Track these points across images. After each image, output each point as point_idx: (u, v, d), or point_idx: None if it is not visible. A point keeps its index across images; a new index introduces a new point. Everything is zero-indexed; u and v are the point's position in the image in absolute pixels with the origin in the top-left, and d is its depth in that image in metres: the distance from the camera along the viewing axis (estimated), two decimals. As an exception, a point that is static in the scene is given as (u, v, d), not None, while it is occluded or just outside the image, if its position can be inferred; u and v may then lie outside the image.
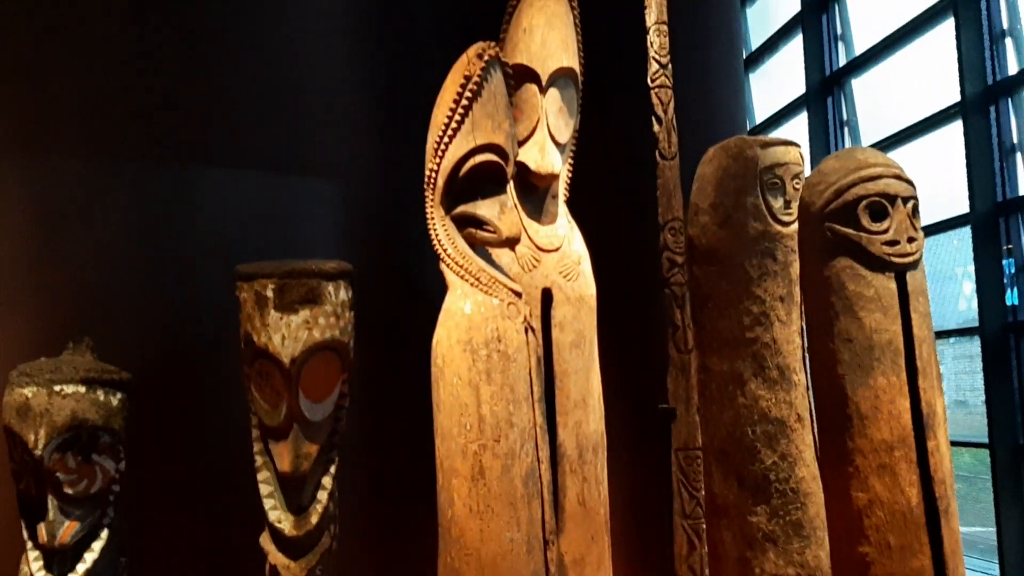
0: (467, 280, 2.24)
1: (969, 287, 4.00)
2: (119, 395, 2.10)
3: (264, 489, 2.25)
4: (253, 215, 2.86)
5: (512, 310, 2.22)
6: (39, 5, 2.57)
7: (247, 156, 2.88)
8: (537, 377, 2.25)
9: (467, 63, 2.23)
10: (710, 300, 2.59)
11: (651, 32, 3.04)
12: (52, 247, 2.53)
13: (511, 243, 2.32)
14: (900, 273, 2.28)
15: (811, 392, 2.42)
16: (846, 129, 4.85)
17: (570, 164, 2.83)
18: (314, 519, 2.23)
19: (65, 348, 2.12)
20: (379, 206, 3.19)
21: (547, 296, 2.62)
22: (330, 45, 3.05)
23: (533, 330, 2.26)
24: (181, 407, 2.58)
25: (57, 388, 1.98)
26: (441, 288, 2.66)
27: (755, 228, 2.56)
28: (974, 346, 3.97)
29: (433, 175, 2.27)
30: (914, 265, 2.29)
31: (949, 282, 4.34)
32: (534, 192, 2.71)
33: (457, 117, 2.22)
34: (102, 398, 2.05)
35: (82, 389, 2.02)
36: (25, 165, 2.52)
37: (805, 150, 3.16)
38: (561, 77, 2.71)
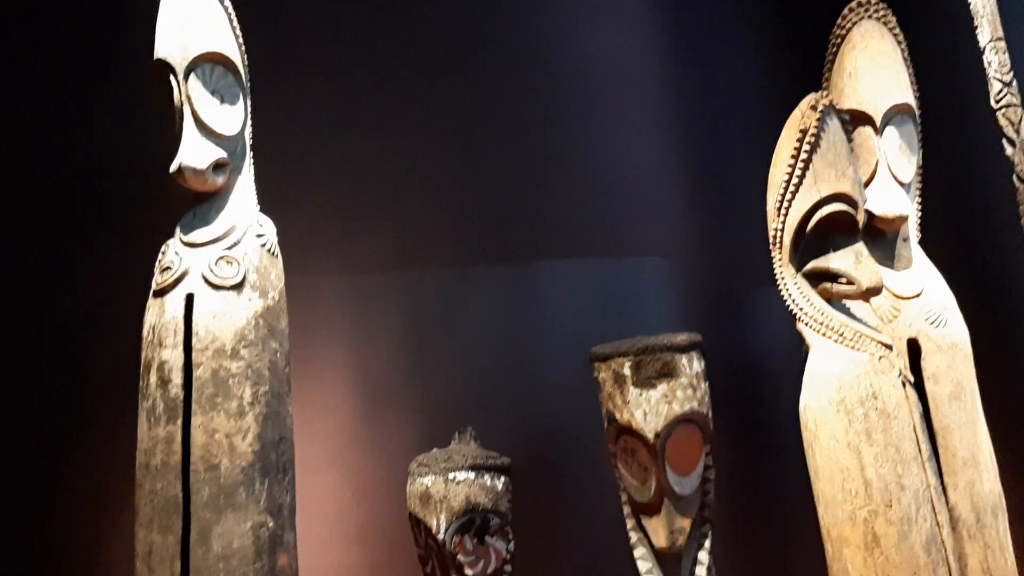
0: (830, 337, 2.14)
1: None
2: (502, 479, 2.23)
3: (642, 565, 2.25)
4: (592, 299, 2.96)
5: (885, 364, 2.08)
6: (389, 147, 2.93)
7: (580, 245, 3.01)
8: (922, 434, 2.08)
9: (801, 117, 2.19)
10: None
11: (987, 51, 2.80)
12: (425, 352, 2.80)
13: (872, 293, 2.19)
14: None
15: None
16: None
17: (918, 203, 2.65)
18: (696, 595, 2.19)
19: (452, 438, 2.29)
20: (708, 276, 3.18)
21: (913, 347, 2.44)
22: (648, 127, 3.14)
23: (911, 384, 2.09)
24: (553, 487, 2.69)
25: (451, 476, 2.15)
26: (784, 353, 2.58)
27: None
28: None
29: (778, 234, 2.22)
30: None
31: None
32: (882, 238, 2.56)
33: (797, 172, 2.16)
34: (489, 483, 2.19)
35: (471, 475, 2.17)
36: (398, 284, 2.83)
37: None
38: (896, 114, 2.57)
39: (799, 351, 2.31)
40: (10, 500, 2.60)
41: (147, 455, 2.01)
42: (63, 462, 2.61)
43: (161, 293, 2.10)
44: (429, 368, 2.78)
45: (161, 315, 2.07)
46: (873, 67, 2.58)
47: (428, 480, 2.14)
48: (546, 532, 2.62)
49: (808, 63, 2.80)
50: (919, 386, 2.37)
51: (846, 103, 2.55)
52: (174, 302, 2.07)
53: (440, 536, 2.10)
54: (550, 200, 2.97)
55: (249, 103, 2.30)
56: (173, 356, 2.02)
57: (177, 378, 2.01)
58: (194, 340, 2.04)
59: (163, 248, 2.18)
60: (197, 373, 2.01)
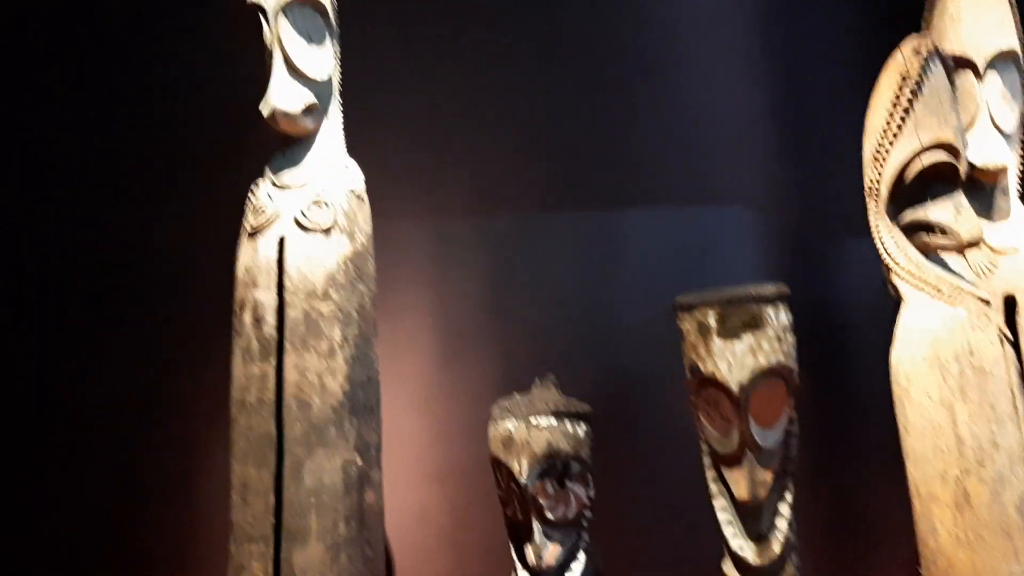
0: (925, 291, 2.08)
1: None
2: (583, 426, 2.24)
3: (722, 517, 2.25)
4: (675, 248, 2.93)
5: (983, 320, 2.02)
6: (469, 92, 2.91)
7: (664, 192, 2.97)
8: (1019, 393, 2.02)
9: (903, 61, 2.10)
10: None
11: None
12: (506, 297, 2.82)
13: (971, 247, 2.12)
14: None
15: None
16: None
17: (1020, 153, 2.55)
18: (776, 548, 2.18)
19: (533, 384, 2.31)
20: (794, 225, 3.12)
21: (1009, 304, 2.36)
22: (735, 70, 3.06)
23: (1010, 341, 2.03)
24: (632, 436, 2.70)
25: (533, 421, 2.17)
26: (871, 306, 2.51)
27: None
28: None
29: (875, 183, 2.15)
30: None
31: None
32: (980, 189, 2.46)
33: (897, 119, 2.09)
34: (570, 429, 2.20)
35: (553, 421, 2.18)
36: (480, 228, 2.85)
37: None
38: (1000, 60, 2.46)
39: (887, 304, 2.26)
40: (108, 433, 2.71)
41: (242, 392, 2.07)
42: (158, 396, 2.71)
43: (254, 234, 2.14)
44: (509, 313, 2.80)
45: (255, 256, 2.11)
46: (978, 10, 2.46)
47: (511, 424, 2.16)
48: (625, 480, 2.64)
49: (904, 4, 2.69)
50: (1015, 344, 2.31)
51: (947, 47, 2.44)
52: (267, 244, 2.11)
53: (522, 480, 2.13)
54: (634, 146, 2.94)
55: (338, 47, 2.30)
56: (267, 297, 2.06)
57: (271, 318, 2.05)
58: (286, 281, 2.08)
59: (253, 188, 2.21)
60: (289, 314, 2.05)
